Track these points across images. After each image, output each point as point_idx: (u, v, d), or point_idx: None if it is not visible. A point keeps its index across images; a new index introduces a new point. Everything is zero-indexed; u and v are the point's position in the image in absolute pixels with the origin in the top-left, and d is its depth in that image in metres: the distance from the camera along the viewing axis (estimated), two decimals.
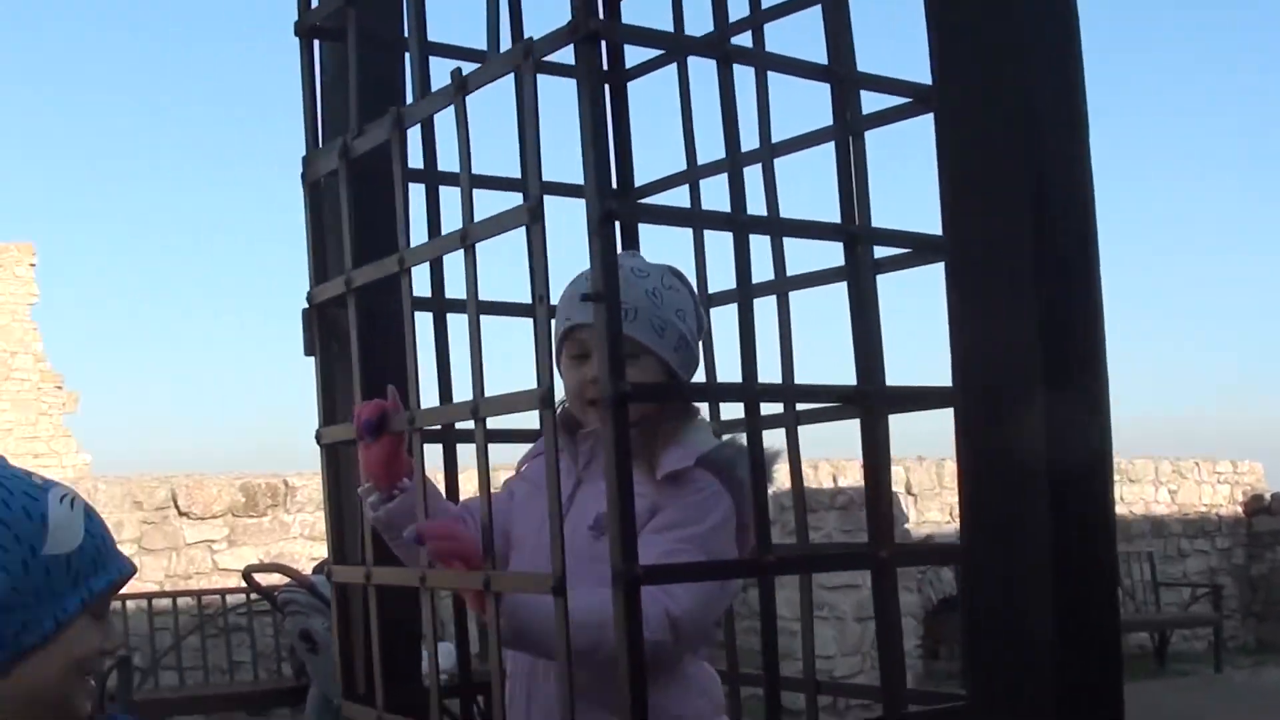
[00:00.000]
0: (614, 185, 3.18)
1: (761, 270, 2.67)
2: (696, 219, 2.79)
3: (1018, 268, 1.68)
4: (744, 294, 2.29)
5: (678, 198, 3.07)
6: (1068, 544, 1.65)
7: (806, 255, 2.74)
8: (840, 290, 2.58)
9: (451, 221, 2.83)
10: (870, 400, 2.38)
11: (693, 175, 3.04)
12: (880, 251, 2.62)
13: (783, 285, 2.80)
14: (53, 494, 1.56)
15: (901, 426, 2.60)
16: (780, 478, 2.46)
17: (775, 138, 2.59)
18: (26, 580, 1.50)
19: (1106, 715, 1.69)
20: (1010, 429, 1.69)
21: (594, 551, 2.25)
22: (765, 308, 2.71)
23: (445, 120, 2.42)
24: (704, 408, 2.76)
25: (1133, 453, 13.76)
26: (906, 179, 3.39)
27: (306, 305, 2.69)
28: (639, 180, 3.23)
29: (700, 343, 2.48)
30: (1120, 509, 13.18)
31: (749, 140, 2.55)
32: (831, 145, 2.59)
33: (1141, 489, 13.50)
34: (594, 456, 2.33)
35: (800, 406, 2.78)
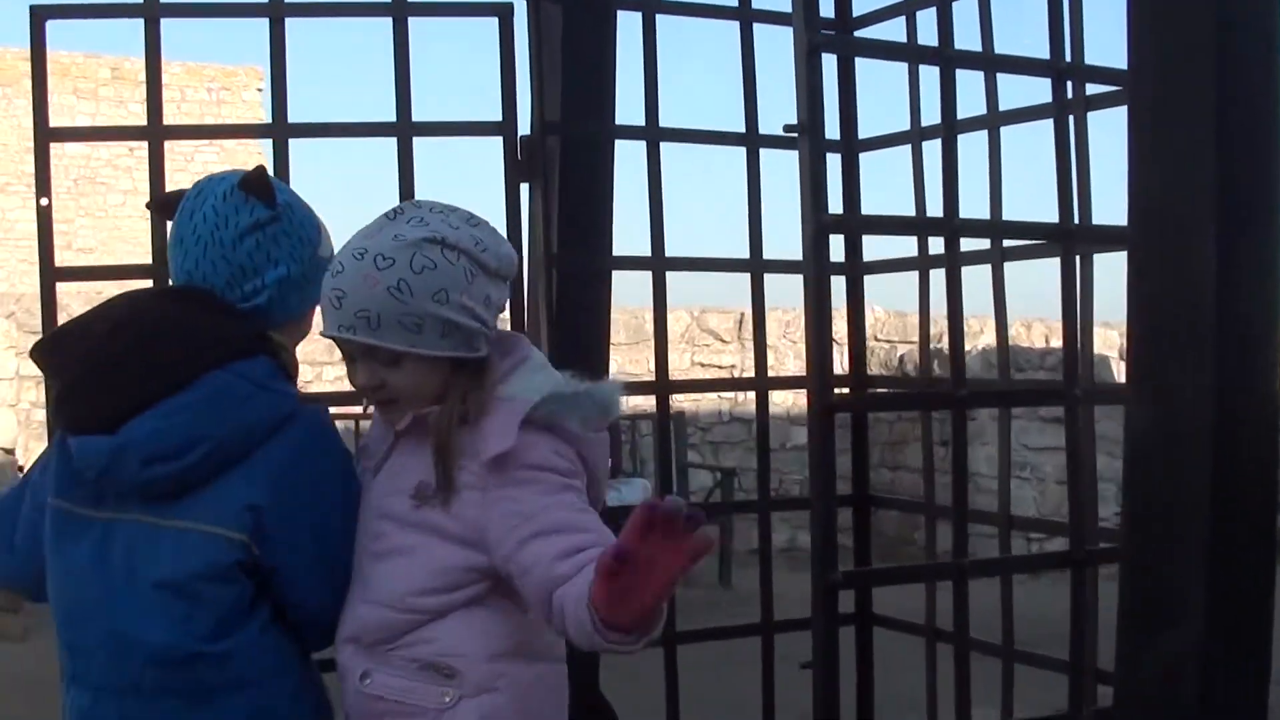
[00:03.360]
0: (834, 14, 3.19)
1: (969, 107, 2.67)
2: (902, 53, 2.76)
3: (1199, 109, 1.65)
4: (949, 129, 2.30)
5: (894, 30, 3.07)
6: (1229, 399, 1.66)
7: (1017, 93, 2.72)
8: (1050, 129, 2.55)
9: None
10: (1071, 238, 2.38)
11: (909, 7, 3.03)
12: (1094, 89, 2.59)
13: (994, 120, 2.78)
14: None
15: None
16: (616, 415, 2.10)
17: None
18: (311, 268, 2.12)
19: (1256, 558, 1.72)
20: (1182, 276, 1.68)
21: (414, 518, 2.07)
22: (971, 146, 2.69)
23: None
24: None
25: None
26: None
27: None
28: (857, 9, 3.23)
29: (497, 300, 2.09)
30: None
31: None
32: None
33: None
34: (413, 420, 2.09)
35: (1006, 243, 2.78)
